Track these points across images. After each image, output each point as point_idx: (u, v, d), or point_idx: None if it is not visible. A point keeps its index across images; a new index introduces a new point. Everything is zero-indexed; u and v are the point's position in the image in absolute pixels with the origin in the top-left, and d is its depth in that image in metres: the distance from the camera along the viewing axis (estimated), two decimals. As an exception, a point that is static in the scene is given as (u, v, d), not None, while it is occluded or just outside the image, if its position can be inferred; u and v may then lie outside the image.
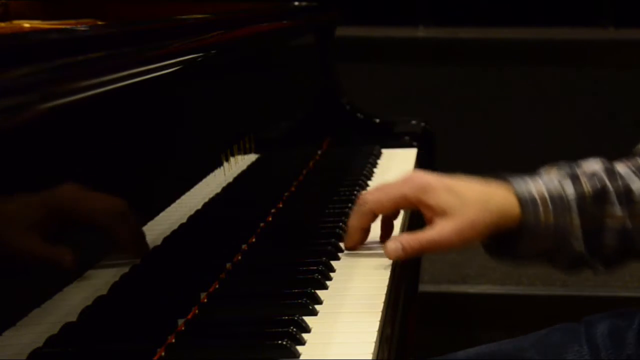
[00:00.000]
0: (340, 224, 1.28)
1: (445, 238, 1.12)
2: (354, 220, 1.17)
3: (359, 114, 2.03)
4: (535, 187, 1.17)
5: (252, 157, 1.45)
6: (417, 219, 1.24)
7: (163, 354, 0.87)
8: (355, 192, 1.47)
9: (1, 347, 0.76)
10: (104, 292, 0.94)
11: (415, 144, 1.95)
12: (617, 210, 1.19)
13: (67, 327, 0.86)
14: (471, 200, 1.13)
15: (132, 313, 0.95)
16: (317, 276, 1.06)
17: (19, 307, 0.80)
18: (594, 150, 3.60)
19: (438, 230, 1.12)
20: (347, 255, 1.18)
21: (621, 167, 1.22)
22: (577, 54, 3.41)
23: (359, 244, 1.19)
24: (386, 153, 1.87)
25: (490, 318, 2.62)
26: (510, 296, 2.67)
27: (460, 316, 2.69)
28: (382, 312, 0.99)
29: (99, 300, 0.92)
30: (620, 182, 1.20)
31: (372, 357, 0.88)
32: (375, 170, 1.71)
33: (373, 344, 0.90)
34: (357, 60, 3.31)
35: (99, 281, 0.94)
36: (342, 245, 1.20)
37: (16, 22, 1.50)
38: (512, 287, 2.71)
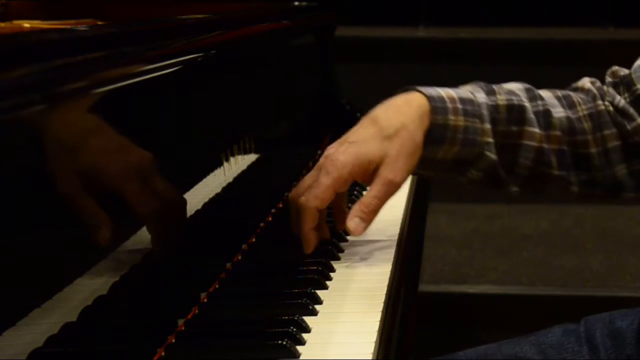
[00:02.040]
0: (340, 224, 1.28)
1: (389, 180, 1.11)
2: (302, 226, 1.12)
3: (359, 114, 2.03)
4: (444, 91, 1.16)
5: (252, 157, 1.45)
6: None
7: (163, 354, 0.87)
8: (355, 192, 1.47)
9: (1, 347, 0.76)
10: (104, 292, 0.94)
11: (415, 144, 1.95)
12: (535, 130, 1.17)
13: (67, 327, 0.86)
14: (389, 131, 1.12)
15: (132, 313, 0.95)
16: (317, 276, 1.06)
17: (19, 307, 0.80)
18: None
19: (380, 179, 1.11)
20: (347, 255, 1.18)
21: (545, 93, 1.21)
22: (577, 54, 3.41)
23: (317, 242, 1.14)
24: (386, 153, 1.86)
25: (490, 318, 2.62)
26: (510, 296, 2.67)
27: (460, 316, 2.69)
28: (382, 312, 0.99)
29: (99, 300, 0.92)
30: (540, 104, 1.19)
31: (372, 357, 0.88)
32: (375, 170, 1.71)
33: (373, 344, 0.90)
34: (357, 60, 3.31)
35: (99, 281, 0.94)
36: (342, 245, 1.20)
37: (16, 22, 1.49)
38: (512, 287, 2.71)
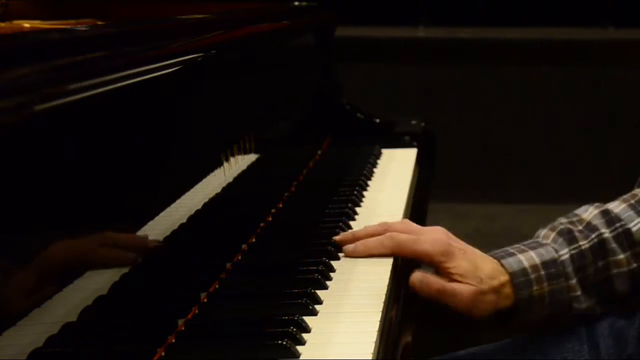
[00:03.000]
0: (340, 224, 1.28)
1: (464, 295, 1.17)
2: (373, 246, 1.18)
3: (359, 114, 2.03)
4: (526, 259, 1.21)
5: (252, 157, 1.45)
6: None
7: (163, 354, 0.87)
8: (355, 192, 1.47)
9: (1, 347, 0.76)
10: (104, 292, 0.94)
11: (415, 144, 1.95)
12: (620, 257, 1.22)
13: (67, 327, 0.86)
14: (485, 277, 1.18)
15: (132, 313, 0.95)
16: (317, 276, 1.06)
17: (19, 307, 0.80)
18: (594, 150, 3.61)
19: (460, 287, 1.17)
20: (347, 255, 1.18)
21: (618, 206, 1.24)
22: (577, 54, 3.41)
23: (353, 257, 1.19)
24: (386, 153, 1.86)
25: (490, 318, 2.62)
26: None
27: (460, 316, 2.69)
28: (382, 312, 0.99)
29: (99, 300, 0.92)
30: (618, 226, 1.22)
31: (372, 357, 0.88)
32: (375, 170, 1.71)
33: (373, 344, 0.90)
34: (357, 60, 3.31)
35: (99, 281, 0.94)
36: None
37: (16, 22, 1.50)
38: (512, 287, 2.70)
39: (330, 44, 2.06)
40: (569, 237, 1.23)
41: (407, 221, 1.26)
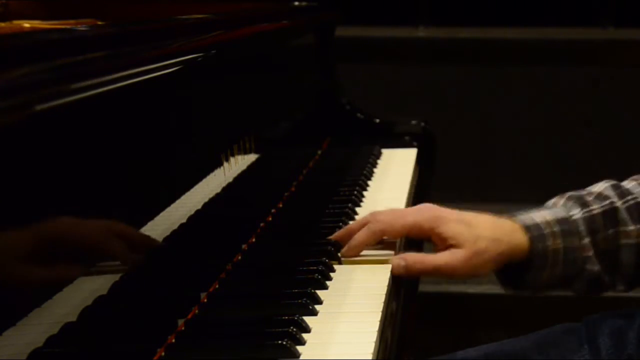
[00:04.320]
0: (340, 224, 1.28)
1: (451, 266, 1.14)
2: (362, 236, 1.17)
3: (359, 114, 2.03)
4: (539, 215, 1.19)
5: (252, 157, 1.45)
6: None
7: (163, 354, 0.87)
8: (356, 192, 1.47)
9: (1, 347, 0.76)
10: (104, 292, 0.94)
11: (415, 144, 1.95)
12: (630, 228, 1.21)
13: (67, 327, 0.86)
14: (482, 231, 1.16)
15: (132, 313, 0.95)
16: (317, 276, 1.06)
17: (19, 307, 0.80)
18: (594, 150, 3.60)
19: (447, 258, 1.14)
20: (347, 255, 1.18)
21: (630, 184, 1.24)
22: (577, 54, 3.41)
23: (355, 256, 1.18)
24: (386, 153, 1.87)
25: (490, 318, 2.62)
26: (510, 296, 2.66)
27: (460, 316, 2.69)
28: (382, 312, 0.99)
29: (99, 300, 0.92)
30: (630, 199, 1.22)
31: (372, 357, 0.88)
32: (375, 170, 1.71)
33: (373, 344, 0.90)
34: (357, 60, 3.30)
35: (99, 281, 0.94)
36: (342, 245, 1.19)
37: (16, 22, 1.49)
38: (512, 287, 2.70)
39: (330, 44, 2.06)
40: (580, 201, 1.21)
41: (393, 207, 1.25)
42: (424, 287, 2.58)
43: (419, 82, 3.43)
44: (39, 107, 0.76)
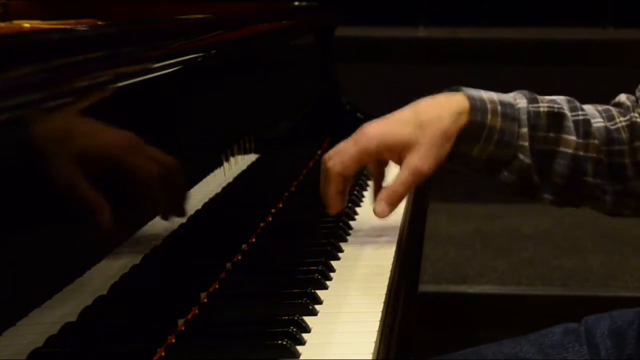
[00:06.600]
0: (340, 224, 1.28)
1: (417, 169, 1.15)
2: (325, 189, 1.18)
3: (359, 114, 2.03)
4: (486, 94, 1.19)
5: (252, 157, 1.45)
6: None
7: (163, 354, 0.87)
8: (355, 192, 1.47)
9: (1, 347, 0.76)
10: (104, 292, 0.94)
11: (415, 143, 1.95)
12: (572, 137, 1.19)
13: (67, 327, 0.86)
14: (424, 120, 1.16)
15: (132, 313, 0.95)
16: (317, 276, 1.06)
17: (19, 307, 0.80)
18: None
19: (408, 166, 1.15)
20: (347, 255, 1.18)
21: (586, 105, 1.23)
22: (577, 54, 3.41)
23: (341, 208, 1.20)
24: (386, 153, 1.86)
25: (490, 318, 2.63)
26: (510, 296, 2.68)
27: (460, 316, 2.69)
28: (382, 312, 0.99)
29: (99, 300, 0.92)
30: (580, 114, 1.21)
31: (372, 357, 0.88)
32: (375, 170, 1.71)
33: (373, 344, 0.90)
34: (357, 60, 3.31)
35: (99, 281, 0.94)
36: (341, 245, 1.20)
37: (16, 22, 1.49)
38: (512, 287, 2.71)
39: (329, 44, 2.06)
40: (530, 97, 1.21)
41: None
42: (424, 287, 2.59)
43: (419, 82, 3.42)
44: (39, 107, 0.76)
